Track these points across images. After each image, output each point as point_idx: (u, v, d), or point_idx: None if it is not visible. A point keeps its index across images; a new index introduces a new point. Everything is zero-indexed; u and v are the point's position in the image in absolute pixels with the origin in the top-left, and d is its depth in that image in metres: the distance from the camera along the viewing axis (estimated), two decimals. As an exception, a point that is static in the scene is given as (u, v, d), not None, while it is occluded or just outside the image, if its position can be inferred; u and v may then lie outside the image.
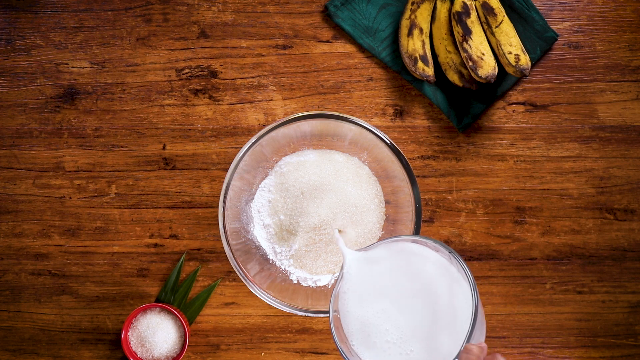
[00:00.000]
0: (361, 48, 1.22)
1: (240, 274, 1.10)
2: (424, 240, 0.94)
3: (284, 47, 1.22)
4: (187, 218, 1.21)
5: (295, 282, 1.16)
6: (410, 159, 1.21)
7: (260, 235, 1.17)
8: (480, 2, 1.16)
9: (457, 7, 1.16)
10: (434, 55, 1.20)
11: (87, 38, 1.22)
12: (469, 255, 1.20)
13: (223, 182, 1.10)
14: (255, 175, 1.16)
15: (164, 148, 1.21)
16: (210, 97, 1.21)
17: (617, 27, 1.21)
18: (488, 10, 1.16)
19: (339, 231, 1.13)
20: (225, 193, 1.10)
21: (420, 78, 1.17)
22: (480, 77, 1.14)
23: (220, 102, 1.21)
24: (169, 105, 1.21)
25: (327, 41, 1.22)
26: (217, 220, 1.12)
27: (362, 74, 1.21)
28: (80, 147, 1.22)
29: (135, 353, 1.17)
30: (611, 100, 1.21)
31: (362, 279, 0.97)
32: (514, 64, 1.14)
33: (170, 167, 1.21)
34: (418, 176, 1.20)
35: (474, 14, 1.16)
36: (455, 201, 1.21)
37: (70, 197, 1.22)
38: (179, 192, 1.21)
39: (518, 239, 1.21)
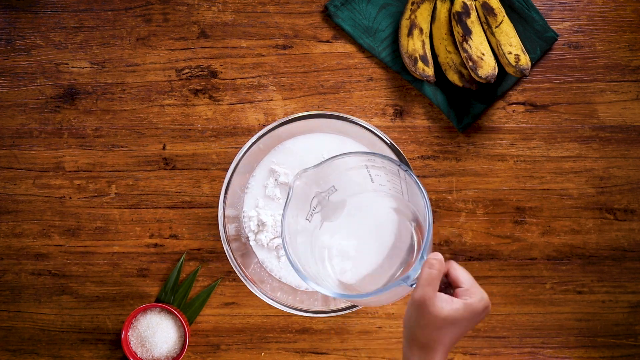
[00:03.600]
0: (361, 48, 1.21)
1: (240, 274, 1.10)
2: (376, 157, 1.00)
3: (284, 47, 1.21)
4: (187, 218, 1.21)
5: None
6: (410, 159, 1.21)
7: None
8: (480, 2, 1.16)
9: (457, 7, 1.16)
10: (434, 55, 1.20)
11: (87, 38, 1.22)
12: (469, 255, 1.20)
13: (223, 182, 1.10)
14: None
15: (164, 148, 1.21)
16: (210, 97, 1.21)
17: (617, 27, 1.21)
18: (488, 10, 1.16)
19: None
20: (225, 193, 1.10)
21: (420, 78, 1.17)
22: (480, 77, 1.14)
23: (220, 102, 1.21)
24: (169, 105, 1.21)
25: (327, 41, 1.22)
26: (217, 220, 1.12)
27: (362, 74, 1.21)
28: (80, 147, 1.22)
29: (135, 353, 1.17)
30: (611, 100, 1.21)
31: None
32: (514, 64, 1.14)
33: (170, 167, 1.21)
34: (418, 176, 1.20)
35: (474, 14, 1.16)
36: (455, 201, 1.21)
37: (70, 197, 1.22)
38: (179, 192, 1.21)
39: (518, 239, 1.21)
